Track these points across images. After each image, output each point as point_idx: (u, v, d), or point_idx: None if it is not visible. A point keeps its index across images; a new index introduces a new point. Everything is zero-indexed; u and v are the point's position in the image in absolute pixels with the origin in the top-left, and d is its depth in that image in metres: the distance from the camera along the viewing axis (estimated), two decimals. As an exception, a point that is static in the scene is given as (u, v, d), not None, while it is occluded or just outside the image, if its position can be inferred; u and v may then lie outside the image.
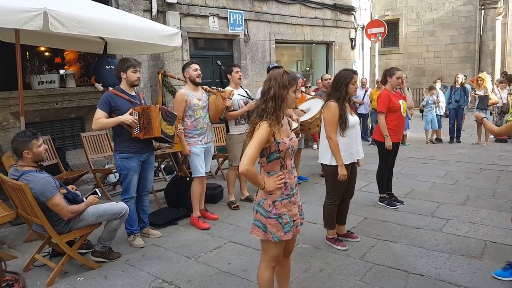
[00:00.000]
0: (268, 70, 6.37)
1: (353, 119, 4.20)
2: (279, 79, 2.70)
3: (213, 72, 9.13)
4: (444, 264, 3.89)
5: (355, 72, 4.20)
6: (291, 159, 2.82)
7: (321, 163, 4.33)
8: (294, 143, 2.82)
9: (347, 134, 4.12)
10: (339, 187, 4.26)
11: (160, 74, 6.37)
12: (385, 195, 5.70)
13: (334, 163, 4.15)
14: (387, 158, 5.56)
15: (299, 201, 2.95)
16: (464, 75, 11.59)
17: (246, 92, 5.80)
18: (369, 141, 11.27)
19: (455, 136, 10.89)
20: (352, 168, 4.30)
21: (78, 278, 3.84)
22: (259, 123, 2.66)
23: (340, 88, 4.10)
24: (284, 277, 3.17)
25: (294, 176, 2.87)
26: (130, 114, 4.26)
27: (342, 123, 4.07)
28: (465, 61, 19.62)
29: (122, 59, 4.51)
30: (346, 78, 4.12)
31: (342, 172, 4.05)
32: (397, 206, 5.55)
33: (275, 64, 6.52)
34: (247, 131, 5.67)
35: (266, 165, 2.78)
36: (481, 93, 10.38)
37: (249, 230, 2.91)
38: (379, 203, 5.69)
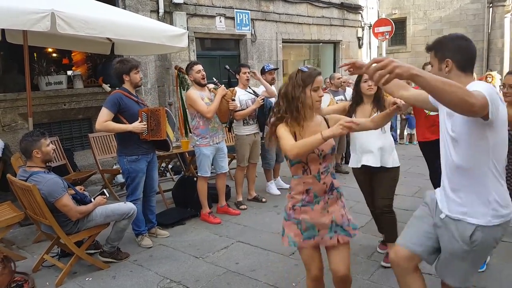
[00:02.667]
0: (263, 71, 6.19)
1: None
2: (293, 78, 2.58)
3: (220, 72, 9.13)
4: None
5: None
6: (320, 163, 2.59)
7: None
8: (323, 146, 2.53)
9: (354, 134, 3.86)
10: (362, 192, 4.13)
11: (176, 70, 6.35)
12: None
13: (353, 165, 3.98)
14: (426, 157, 5.16)
15: (340, 208, 2.69)
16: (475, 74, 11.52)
17: (254, 91, 5.79)
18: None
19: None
20: (373, 177, 3.94)
21: (87, 279, 3.86)
22: (277, 126, 2.58)
23: (356, 88, 3.88)
24: None
25: (324, 183, 2.61)
26: (139, 116, 4.28)
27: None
28: (473, 60, 19.45)
29: (120, 61, 4.45)
30: (358, 75, 3.90)
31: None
32: None
33: (271, 67, 6.35)
34: (255, 132, 5.75)
35: (290, 168, 2.68)
36: None
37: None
38: None
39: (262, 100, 5.52)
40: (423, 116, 5.01)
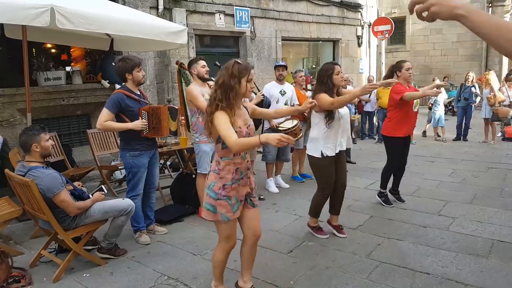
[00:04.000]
0: (274, 68, 6.39)
1: (342, 110, 4.27)
2: (230, 69, 2.83)
3: (219, 69, 9.13)
4: (451, 262, 3.86)
5: (335, 64, 4.31)
6: None
7: (307, 154, 4.42)
8: (250, 130, 2.95)
9: (333, 125, 4.17)
10: (326, 178, 4.34)
11: (178, 65, 6.33)
12: (385, 191, 5.62)
13: (316, 155, 4.23)
14: (393, 154, 5.46)
15: (252, 184, 3.11)
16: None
17: (255, 86, 5.81)
18: (375, 138, 11.25)
19: (462, 134, 10.83)
20: (338, 158, 4.34)
21: (84, 274, 3.85)
22: (214, 113, 2.81)
23: (325, 81, 4.19)
24: (248, 262, 3.26)
25: (247, 161, 2.98)
26: (140, 114, 4.28)
27: (328, 115, 4.14)
28: (472, 59, 19.49)
29: (122, 59, 4.43)
30: (327, 70, 4.21)
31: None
32: (392, 205, 5.52)
33: (281, 63, 6.50)
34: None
35: (220, 151, 2.91)
36: (487, 91, 10.29)
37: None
38: (377, 196, 5.67)
39: (262, 96, 5.53)
40: (410, 113, 5.28)
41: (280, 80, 6.38)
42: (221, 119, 2.77)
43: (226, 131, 2.73)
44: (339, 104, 4.09)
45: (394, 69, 5.32)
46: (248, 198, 3.08)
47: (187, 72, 6.87)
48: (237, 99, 2.88)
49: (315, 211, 4.54)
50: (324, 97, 4.08)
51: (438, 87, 5.13)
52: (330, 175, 4.33)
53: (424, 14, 1.51)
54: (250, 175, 3.08)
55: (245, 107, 3.11)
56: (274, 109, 4.23)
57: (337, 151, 4.27)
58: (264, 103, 5.68)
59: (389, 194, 5.68)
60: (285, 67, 6.55)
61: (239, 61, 2.89)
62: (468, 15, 1.39)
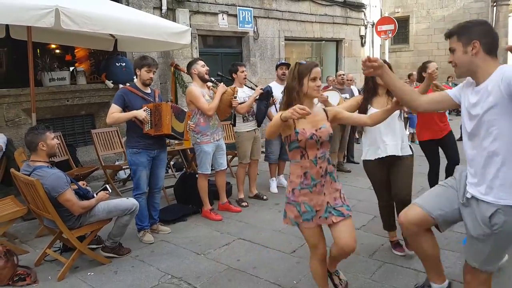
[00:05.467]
0: (277, 67, 6.37)
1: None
2: (292, 71, 2.80)
3: (222, 70, 9.15)
4: (455, 263, 3.86)
5: (383, 61, 3.96)
6: (318, 149, 2.76)
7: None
8: (321, 133, 2.74)
9: (370, 127, 3.79)
10: (375, 186, 4.10)
11: (172, 67, 6.36)
12: None
13: (368, 158, 3.94)
14: (427, 158, 5.37)
15: (334, 191, 2.86)
16: None
17: (251, 88, 5.81)
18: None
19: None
20: (393, 164, 3.89)
21: (89, 273, 3.88)
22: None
23: (367, 80, 3.93)
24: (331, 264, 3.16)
25: (321, 167, 2.77)
26: (144, 111, 4.32)
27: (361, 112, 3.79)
28: (476, 59, 19.39)
29: (141, 56, 4.56)
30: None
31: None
32: None
33: (283, 62, 6.49)
34: (254, 128, 5.77)
35: (288, 153, 2.84)
36: None
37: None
38: None
39: (261, 89, 5.54)
40: (425, 114, 5.07)
41: (282, 79, 6.33)
42: (276, 117, 2.65)
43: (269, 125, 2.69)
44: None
45: (421, 70, 5.13)
46: (332, 209, 2.81)
47: (182, 74, 6.88)
48: (303, 100, 2.73)
49: (384, 224, 4.24)
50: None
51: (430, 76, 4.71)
52: (377, 183, 4.03)
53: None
54: (333, 184, 2.86)
55: (326, 110, 2.92)
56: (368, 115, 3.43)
57: (379, 156, 3.84)
58: (266, 94, 5.68)
59: None
60: (288, 65, 6.55)
61: (301, 61, 2.82)
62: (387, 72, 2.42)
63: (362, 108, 3.84)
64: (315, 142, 2.73)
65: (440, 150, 5.35)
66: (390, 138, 3.81)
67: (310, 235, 2.87)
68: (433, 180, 5.43)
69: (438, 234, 4.50)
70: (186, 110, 4.93)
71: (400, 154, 3.82)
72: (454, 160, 5.28)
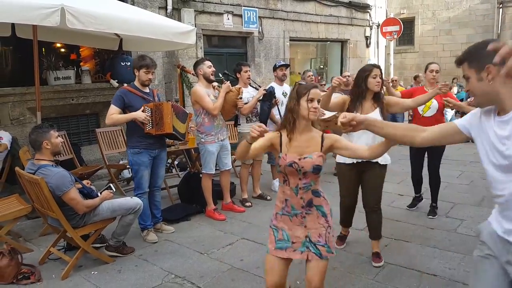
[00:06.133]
0: (275, 68, 6.31)
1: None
2: (292, 91, 2.67)
3: (227, 70, 9.16)
4: (458, 264, 3.85)
5: (375, 66, 3.85)
6: (300, 179, 2.58)
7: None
8: (304, 163, 2.54)
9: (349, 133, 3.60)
10: (342, 188, 4.10)
11: (179, 69, 6.35)
12: (418, 195, 5.56)
13: (339, 160, 3.95)
14: (411, 161, 5.37)
15: (319, 227, 2.63)
16: None
17: (255, 88, 5.81)
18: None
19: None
20: (365, 171, 3.88)
21: (92, 272, 3.89)
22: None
23: (359, 83, 3.80)
24: None
25: (302, 198, 2.59)
26: (143, 110, 4.31)
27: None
28: (481, 61, 19.31)
29: (139, 56, 4.55)
30: (364, 71, 3.81)
31: None
32: (414, 208, 5.48)
33: (282, 63, 6.41)
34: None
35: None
36: None
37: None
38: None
39: (264, 90, 5.54)
40: (417, 118, 5.04)
41: (282, 80, 6.29)
42: (264, 137, 2.55)
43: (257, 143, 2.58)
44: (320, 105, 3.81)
45: (425, 70, 5.16)
46: (312, 245, 2.61)
47: (189, 75, 6.87)
48: (299, 122, 2.60)
49: (341, 220, 4.29)
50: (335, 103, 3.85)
51: (440, 89, 4.78)
52: (347, 186, 4.02)
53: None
54: (320, 219, 2.64)
55: (323, 137, 2.67)
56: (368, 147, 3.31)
57: (356, 161, 3.81)
58: (269, 95, 5.68)
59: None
60: (288, 66, 6.54)
61: (301, 82, 2.68)
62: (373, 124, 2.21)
63: (350, 112, 3.77)
64: (296, 171, 2.56)
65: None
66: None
67: (270, 261, 2.65)
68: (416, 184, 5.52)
69: (442, 236, 4.51)
70: (188, 112, 4.93)
71: (382, 163, 3.84)
72: (436, 175, 5.27)
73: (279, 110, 5.78)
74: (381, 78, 3.79)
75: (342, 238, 4.40)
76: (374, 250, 4.01)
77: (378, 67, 3.82)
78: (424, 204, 5.56)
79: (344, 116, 2.23)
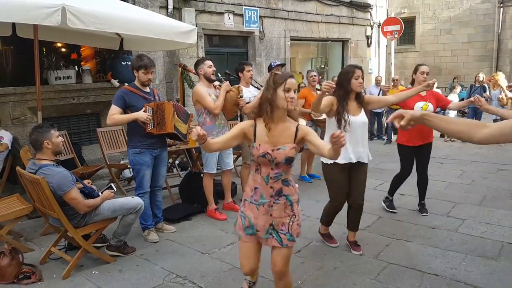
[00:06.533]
0: (270, 68, 6.27)
1: (355, 119, 3.90)
2: (267, 80, 2.70)
3: (228, 69, 9.16)
4: (460, 264, 3.85)
5: (357, 67, 3.94)
6: (272, 169, 2.64)
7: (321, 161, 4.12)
8: (277, 155, 2.60)
9: (345, 131, 3.81)
10: (334, 188, 4.10)
11: (180, 68, 6.35)
12: (390, 197, 5.45)
13: (328, 162, 3.96)
14: (403, 162, 5.24)
15: (284, 217, 2.72)
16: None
17: (257, 88, 5.81)
18: (383, 139, 11.20)
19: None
20: (354, 170, 4.02)
21: (93, 272, 3.89)
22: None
23: (344, 84, 3.89)
24: None
25: (272, 188, 2.66)
26: (145, 110, 4.31)
27: (338, 120, 3.86)
28: (482, 60, 19.33)
29: (138, 56, 4.51)
30: (347, 73, 3.89)
31: None
32: (395, 211, 5.32)
33: (278, 62, 6.37)
34: None
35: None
36: (496, 92, 10.20)
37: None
38: (382, 202, 5.53)
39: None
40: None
41: None
42: (236, 126, 2.73)
43: (226, 135, 2.71)
44: (312, 108, 3.87)
45: (413, 72, 5.14)
46: (275, 232, 2.70)
47: (190, 74, 6.86)
48: (276, 112, 2.63)
49: (326, 220, 4.36)
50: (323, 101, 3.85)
51: (428, 85, 4.86)
52: (340, 186, 4.05)
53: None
54: (286, 208, 2.72)
55: (298, 128, 2.71)
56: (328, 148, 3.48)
57: (350, 161, 3.92)
58: None
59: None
60: (284, 65, 6.53)
61: (278, 72, 2.70)
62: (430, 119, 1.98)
63: (340, 115, 3.86)
64: (268, 162, 2.62)
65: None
66: (361, 146, 3.98)
67: (243, 248, 2.79)
68: (397, 185, 5.43)
69: (443, 236, 4.50)
70: (190, 113, 4.92)
71: (365, 161, 4.04)
72: (425, 175, 5.30)
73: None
74: (363, 78, 3.94)
75: (330, 236, 4.44)
76: (352, 239, 4.28)
77: (360, 68, 3.94)
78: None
79: (397, 117, 2.13)
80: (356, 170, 4.04)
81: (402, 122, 2.09)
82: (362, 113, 3.97)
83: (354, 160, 3.94)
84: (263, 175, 2.66)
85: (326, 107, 3.88)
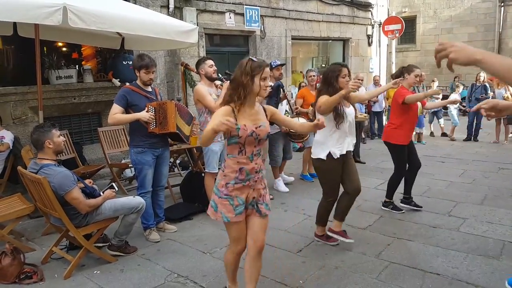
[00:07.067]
0: (271, 68, 6.22)
1: (349, 111, 4.11)
2: (243, 66, 2.77)
3: (229, 69, 9.13)
4: (461, 263, 3.85)
5: (343, 65, 4.10)
6: (255, 146, 2.84)
7: (312, 159, 4.22)
8: (260, 131, 2.83)
9: (342, 125, 4.01)
10: (330, 182, 4.17)
11: (182, 67, 6.34)
12: (391, 200, 5.40)
13: (322, 156, 4.04)
14: (399, 162, 5.23)
15: (261, 189, 2.96)
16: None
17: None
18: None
19: (472, 134, 10.75)
20: (346, 160, 4.14)
21: (95, 271, 3.89)
22: (221, 107, 2.82)
23: (332, 82, 4.01)
24: (250, 275, 3.01)
25: (256, 164, 2.87)
26: (147, 110, 4.31)
27: (338, 116, 3.96)
28: (483, 59, 19.27)
29: (139, 55, 4.51)
30: (334, 71, 4.03)
31: None
32: (402, 211, 5.28)
33: (278, 62, 6.31)
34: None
35: (227, 147, 2.89)
36: (502, 91, 10.18)
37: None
38: (382, 207, 5.42)
39: (270, 87, 5.53)
40: (411, 117, 5.11)
41: (279, 79, 6.25)
42: (216, 114, 2.79)
43: (208, 127, 2.71)
44: (325, 107, 3.90)
45: (404, 71, 5.18)
46: (256, 204, 2.94)
47: (192, 73, 6.85)
48: (249, 97, 2.80)
49: (323, 219, 4.38)
50: (322, 99, 3.94)
51: (434, 94, 5.28)
52: (335, 180, 4.16)
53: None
54: (262, 180, 2.98)
55: (264, 108, 3.00)
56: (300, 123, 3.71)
57: (346, 151, 4.09)
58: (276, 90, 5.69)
59: (401, 204, 5.44)
60: (284, 64, 6.54)
61: (253, 58, 2.82)
62: (483, 59, 1.55)
63: (337, 111, 4.00)
64: (254, 139, 2.80)
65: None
66: (351, 136, 4.17)
67: (237, 229, 2.92)
68: (395, 187, 5.41)
69: (444, 235, 4.50)
70: (193, 115, 4.92)
71: (352, 149, 4.23)
72: (418, 165, 5.37)
73: (289, 105, 5.81)
74: (349, 76, 4.07)
75: (329, 236, 4.39)
76: (340, 230, 4.31)
77: (346, 66, 4.10)
78: (426, 202, 5.56)
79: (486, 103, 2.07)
80: (348, 158, 4.19)
81: (490, 113, 2.03)
82: (351, 107, 4.20)
83: (346, 150, 4.10)
84: (247, 154, 2.83)
85: (330, 108, 3.94)
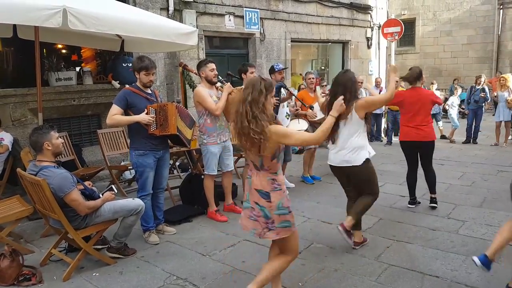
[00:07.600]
0: (273, 70, 6.23)
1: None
2: (258, 86, 2.84)
3: (229, 71, 9.16)
4: (460, 266, 3.84)
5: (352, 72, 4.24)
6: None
7: (352, 166, 4.08)
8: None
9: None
10: (376, 180, 4.33)
11: (181, 67, 6.34)
12: (414, 197, 5.61)
13: (368, 156, 4.11)
14: (407, 158, 5.55)
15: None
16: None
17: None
18: (382, 141, 11.21)
19: (472, 136, 10.75)
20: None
21: (94, 274, 3.88)
22: (268, 128, 2.81)
23: (354, 89, 4.01)
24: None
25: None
26: (147, 111, 4.30)
27: (366, 119, 4.07)
28: (482, 62, 19.35)
29: (138, 58, 4.51)
30: (355, 79, 4.04)
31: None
32: (419, 202, 5.63)
33: (281, 66, 6.31)
34: None
35: (275, 166, 3.00)
36: (505, 93, 10.17)
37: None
38: (431, 204, 5.54)
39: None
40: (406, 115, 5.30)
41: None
42: (284, 129, 2.96)
43: (298, 134, 2.96)
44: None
45: (417, 77, 5.35)
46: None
47: (191, 74, 6.85)
48: (266, 115, 2.88)
49: (359, 222, 4.31)
50: (371, 100, 4.18)
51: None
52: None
53: None
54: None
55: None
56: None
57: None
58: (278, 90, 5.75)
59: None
60: (287, 68, 6.56)
61: (263, 77, 2.97)
62: None
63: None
64: None
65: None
66: None
67: (296, 236, 3.12)
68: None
69: (443, 237, 4.50)
70: (194, 120, 4.93)
71: None
72: (430, 171, 5.55)
73: (295, 103, 5.85)
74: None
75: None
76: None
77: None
78: (423, 205, 5.56)
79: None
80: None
81: None
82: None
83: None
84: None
85: (324, 107, 4.14)
